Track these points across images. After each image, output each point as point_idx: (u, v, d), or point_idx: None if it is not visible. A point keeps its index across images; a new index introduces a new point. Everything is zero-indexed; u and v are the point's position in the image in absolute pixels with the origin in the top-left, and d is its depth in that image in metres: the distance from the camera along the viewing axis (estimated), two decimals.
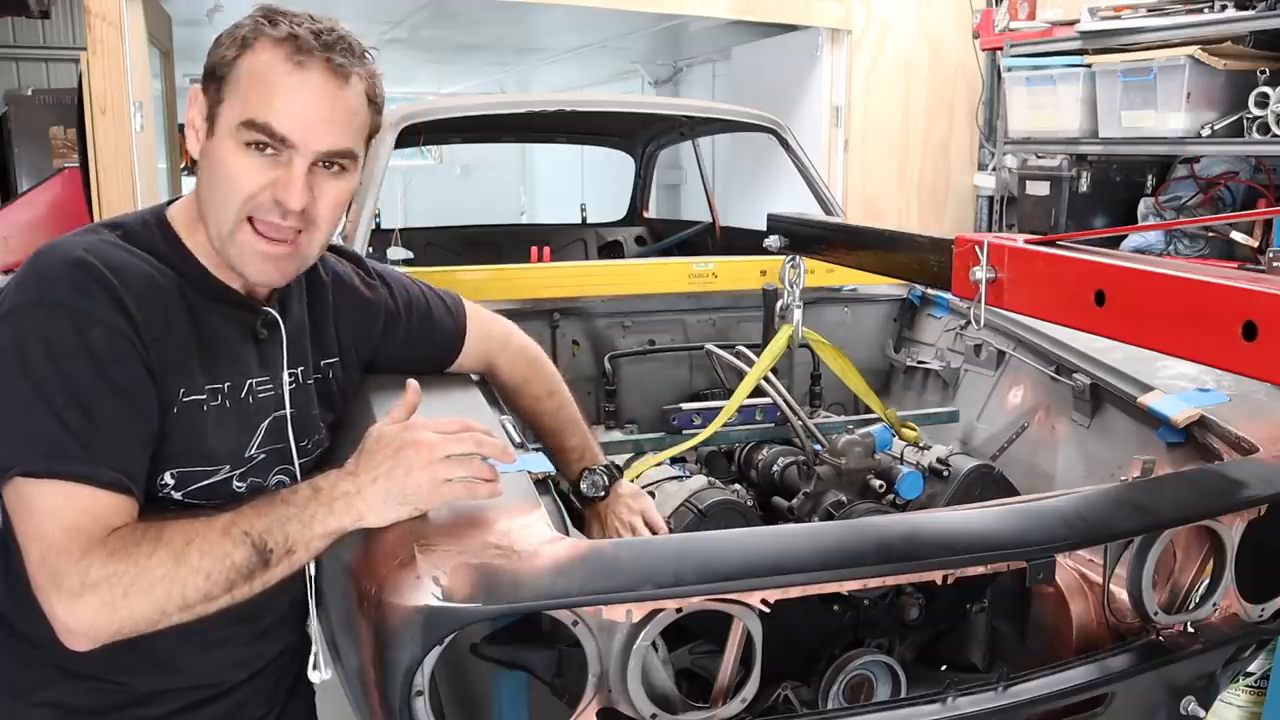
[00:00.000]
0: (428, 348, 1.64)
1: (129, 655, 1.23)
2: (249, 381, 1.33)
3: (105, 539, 1.12)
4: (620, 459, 2.18)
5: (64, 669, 1.28)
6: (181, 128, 5.26)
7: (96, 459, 1.14)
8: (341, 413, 1.51)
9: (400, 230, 3.62)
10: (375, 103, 1.30)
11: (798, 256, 2.07)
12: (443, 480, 1.18)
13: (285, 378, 1.38)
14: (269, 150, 1.21)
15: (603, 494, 1.68)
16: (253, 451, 1.33)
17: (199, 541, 1.12)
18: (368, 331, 1.54)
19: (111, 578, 1.09)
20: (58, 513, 1.12)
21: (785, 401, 2.16)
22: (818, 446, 2.09)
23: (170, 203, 1.35)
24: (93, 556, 1.10)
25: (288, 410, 1.37)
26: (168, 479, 1.25)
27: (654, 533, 1.65)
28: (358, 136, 1.27)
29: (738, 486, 2.10)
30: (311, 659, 1.38)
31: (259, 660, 1.43)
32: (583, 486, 1.68)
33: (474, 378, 1.70)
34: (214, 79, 1.23)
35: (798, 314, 2.08)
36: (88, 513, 1.13)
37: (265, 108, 1.20)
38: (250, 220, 1.24)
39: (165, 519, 1.16)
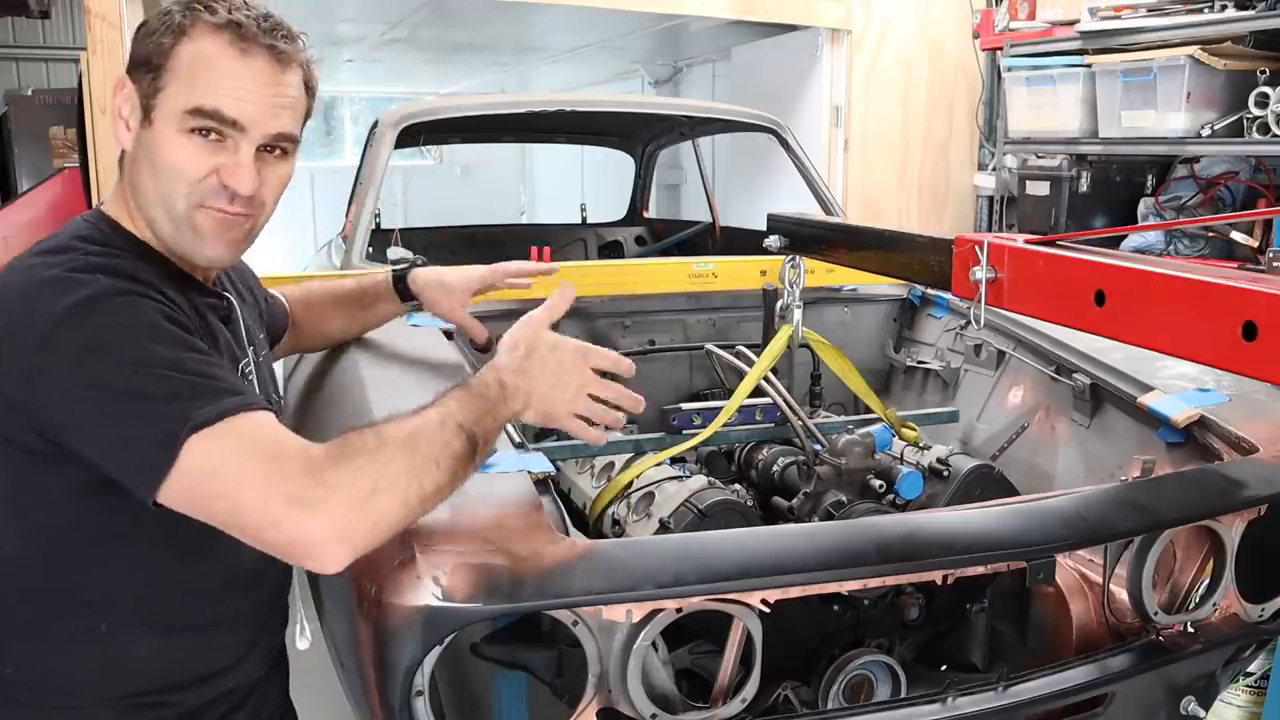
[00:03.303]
0: (277, 325, 1.71)
1: (185, 669, 1.26)
2: (240, 364, 1.34)
3: (321, 449, 1.07)
4: (620, 459, 2.18)
5: (115, 706, 1.23)
6: None
7: (239, 388, 1.12)
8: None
9: (400, 230, 3.62)
10: (311, 88, 1.31)
11: (798, 256, 2.07)
12: (574, 413, 1.24)
13: (251, 358, 1.39)
14: (213, 136, 1.21)
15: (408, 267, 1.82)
16: None
17: (423, 434, 1.11)
18: (262, 307, 1.60)
19: (353, 475, 1.05)
20: (253, 445, 1.06)
21: (785, 401, 2.15)
22: (818, 446, 2.09)
23: (94, 209, 1.30)
24: (319, 466, 1.05)
25: (256, 389, 1.38)
26: None
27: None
28: (298, 120, 1.29)
29: (738, 486, 2.10)
30: (298, 626, 1.41)
31: (274, 651, 1.44)
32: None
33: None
34: (148, 67, 1.20)
35: (798, 314, 2.08)
36: (274, 438, 1.08)
37: (213, 94, 1.19)
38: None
39: (368, 425, 1.13)
